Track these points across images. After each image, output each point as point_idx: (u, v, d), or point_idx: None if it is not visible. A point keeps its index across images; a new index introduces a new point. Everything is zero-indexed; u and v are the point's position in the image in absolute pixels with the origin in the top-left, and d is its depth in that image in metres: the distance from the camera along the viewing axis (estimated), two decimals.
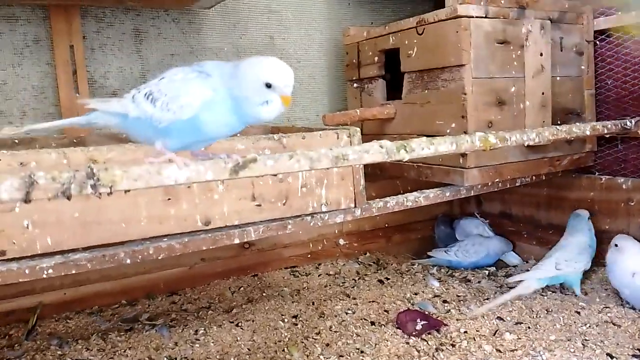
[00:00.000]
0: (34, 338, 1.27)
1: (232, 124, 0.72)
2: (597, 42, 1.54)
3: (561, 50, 1.44)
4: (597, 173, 1.59)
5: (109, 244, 0.94)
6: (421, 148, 0.85)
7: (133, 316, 1.38)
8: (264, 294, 1.51)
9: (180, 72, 0.72)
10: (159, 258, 0.96)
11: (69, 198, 0.61)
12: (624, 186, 1.49)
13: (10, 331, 1.31)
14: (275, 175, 1.04)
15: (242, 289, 1.55)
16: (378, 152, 0.80)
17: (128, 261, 0.93)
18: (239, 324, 1.30)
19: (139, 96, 0.73)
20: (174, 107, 0.69)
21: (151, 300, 1.48)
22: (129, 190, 0.65)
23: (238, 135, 1.22)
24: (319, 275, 1.65)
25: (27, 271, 0.88)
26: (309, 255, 1.73)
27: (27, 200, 0.60)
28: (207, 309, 1.42)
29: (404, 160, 0.85)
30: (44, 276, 0.89)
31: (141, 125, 0.73)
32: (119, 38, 1.54)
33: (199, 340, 1.23)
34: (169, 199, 0.97)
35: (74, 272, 0.90)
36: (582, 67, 1.50)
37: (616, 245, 1.32)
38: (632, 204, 1.46)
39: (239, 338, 1.24)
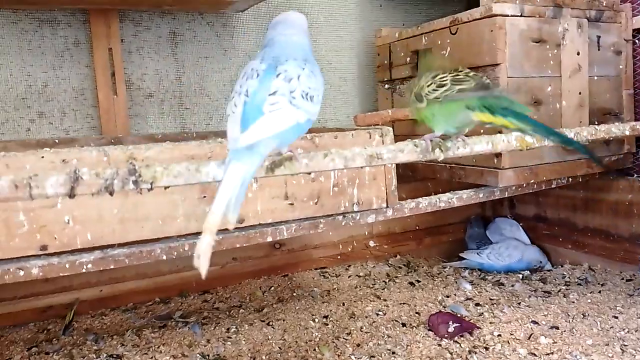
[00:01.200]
0: (71, 333, 1.31)
1: None
2: (636, 41, 1.50)
3: (598, 50, 1.40)
4: (635, 175, 1.55)
5: (146, 240, 0.96)
6: (457, 147, 0.85)
7: (166, 313, 1.40)
8: (294, 294, 1.51)
9: (302, 67, 0.72)
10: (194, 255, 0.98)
11: (111, 194, 0.63)
12: None
13: (49, 326, 1.35)
14: (308, 174, 1.04)
15: (272, 288, 1.56)
16: (413, 151, 0.80)
17: (164, 257, 0.95)
18: (270, 323, 1.31)
19: (298, 100, 0.69)
20: (319, 99, 0.72)
21: (184, 298, 1.51)
22: (168, 187, 0.66)
23: None
24: (348, 277, 1.65)
25: (67, 265, 0.90)
26: (339, 257, 1.73)
27: (71, 195, 0.62)
28: (239, 307, 1.43)
29: (438, 160, 0.84)
30: (84, 271, 0.91)
31: (296, 129, 0.69)
32: (156, 41, 1.58)
33: (230, 338, 1.25)
34: (205, 196, 0.99)
35: (112, 267, 0.93)
36: (620, 66, 1.46)
37: None
38: None
39: (270, 337, 1.25)
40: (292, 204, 1.05)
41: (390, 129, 1.17)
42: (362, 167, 1.05)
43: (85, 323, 1.37)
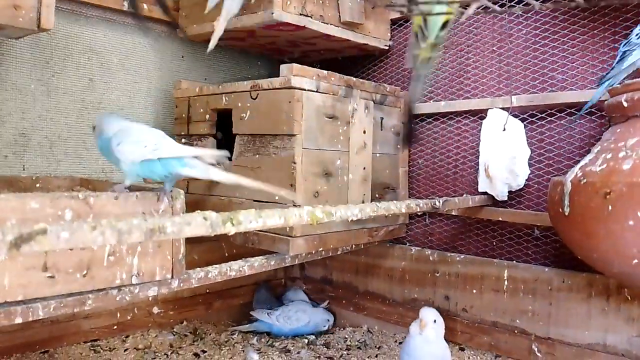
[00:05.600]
0: None
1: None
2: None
3: (381, 130, 1.54)
4: (408, 244, 1.72)
5: None
6: (249, 221, 0.80)
7: None
8: None
9: None
10: None
11: None
12: (430, 258, 1.62)
13: None
14: None
15: None
16: (201, 224, 0.72)
17: None
18: None
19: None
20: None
21: None
22: None
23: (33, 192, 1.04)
24: (125, 351, 1.45)
25: None
26: (115, 327, 1.52)
27: None
28: None
29: (229, 234, 0.78)
30: None
31: None
32: None
33: None
34: None
35: None
36: (398, 146, 1.63)
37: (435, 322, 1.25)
38: (438, 275, 1.59)
39: None
40: (52, 277, 0.87)
41: (182, 191, 1.08)
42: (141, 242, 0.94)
43: None
